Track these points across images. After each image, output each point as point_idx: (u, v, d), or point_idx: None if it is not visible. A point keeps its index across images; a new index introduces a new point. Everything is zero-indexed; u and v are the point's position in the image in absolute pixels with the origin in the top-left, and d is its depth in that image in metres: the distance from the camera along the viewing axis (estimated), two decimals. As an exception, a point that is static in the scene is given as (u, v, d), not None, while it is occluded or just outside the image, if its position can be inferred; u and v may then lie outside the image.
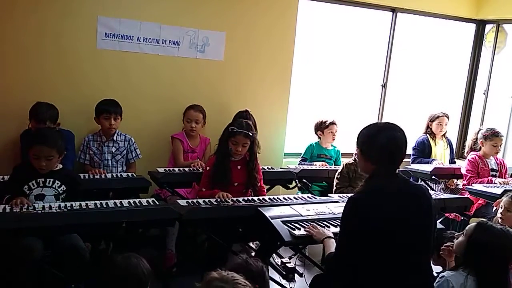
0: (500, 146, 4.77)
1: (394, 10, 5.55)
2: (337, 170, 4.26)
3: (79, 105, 4.08)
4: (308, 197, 3.63)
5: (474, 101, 6.26)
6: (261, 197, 3.46)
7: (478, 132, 4.86)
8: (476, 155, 4.77)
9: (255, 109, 4.49)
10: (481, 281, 2.36)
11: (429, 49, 6.02)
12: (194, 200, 3.27)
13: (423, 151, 5.21)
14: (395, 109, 5.84)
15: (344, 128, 5.06)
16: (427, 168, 4.79)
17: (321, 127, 4.86)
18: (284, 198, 3.48)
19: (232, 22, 4.57)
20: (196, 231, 3.92)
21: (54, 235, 2.86)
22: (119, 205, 2.92)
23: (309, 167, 4.60)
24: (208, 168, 3.63)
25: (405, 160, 3.03)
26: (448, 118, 5.27)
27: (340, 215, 2.94)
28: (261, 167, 3.85)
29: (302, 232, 2.79)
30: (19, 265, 2.75)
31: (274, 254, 3.78)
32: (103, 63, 4.18)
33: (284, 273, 3.71)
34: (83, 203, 2.86)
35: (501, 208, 3.41)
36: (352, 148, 4.25)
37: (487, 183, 4.53)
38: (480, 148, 4.79)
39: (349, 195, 3.56)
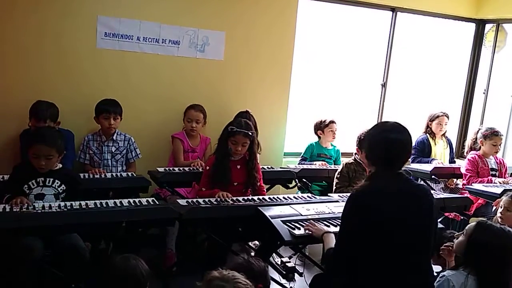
0: (500, 145, 4.77)
1: (394, 9, 5.55)
2: (337, 169, 4.26)
3: (79, 105, 4.08)
4: (308, 196, 3.63)
5: (474, 101, 6.26)
6: (261, 197, 3.46)
7: (478, 131, 4.86)
8: (476, 154, 4.77)
9: (255, 109, 4.49)
10: (482, 280, 2.36)
11: (429, 49, 6.03)
12: (194, 200, 3.27)
13: (423, 151, 5.21)
14: (395, 109, 5.84)
15: (344, 128, 5.06)
16: (427, 167, 4.78)
17: (321, 126, 4.86)
18: (284, 198, 3.48)
19: (232, 22, 4.57)
20: (196, 231, 3.92)
21: (54, 234, 2.86)
22: (119, 204, 2.92)
23: (309, 166, 4.59)
24: (207, 167, 3.63)
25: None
26: (448, 117, 5.27)
27: (340, 214, 2.95)
28: (261, 167, 3.85)
29: (302, 231, 2.79)
30: (19, 264, 2.75)
31: (274, 254, 3.79)
32: (103, 63, 4.18)
33: (284, 272, 3.72)
34: (83, 203, 2.86)
35: (501, 207, 3.42)
36: (352, 147, 4.28)
37: (487, 182, 4.53)
38: (480, 147, 4.79)
39: (349, 194, 3.58)
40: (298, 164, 4.74)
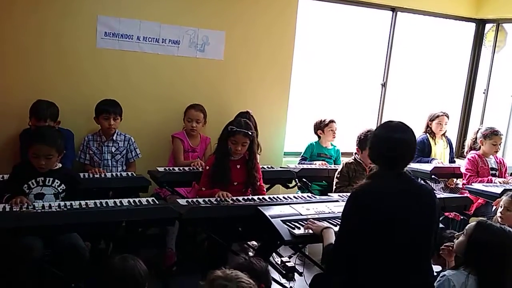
0: (500, 144, 4.78)
1: (394, 9, 5.55)
2: (337, 169, 4.26)
3: (78, 104, 4.08)
4: (308, 196, 3.63)
5: (474, 100, 6.26)
6: (261, 196, 3.46)
7: (478, 131, 4.86)
8: (476, 154, 4.77)
9: (255, 108, 4.49)
10: (482, 280, 2.36)
11: (429, 48, 6.03)
12: (194, 200, 3.27)
13: (423, 151, 5.21)
14: (395, 108, 5.84)
15: (344, 128, 5.06)
16: (426, 167, 4.78)
17: (321, 126, 4.86)
18: (284, 198, 3.48)
19: (232, 21, 4.57)
20: (196, 230, 3.92)
21: (54, 234, 2.86)
22: (119, 204, 2.92)
23: (309, 166, 4.59)
24: (207, 167, 3.63)
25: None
26: (448, 117, 5.27)
27: (340, 214, 2.95)
28: (260, 166, 3.85)
29: (302, 231, 2.79)
30: (19, 264, 2.75)
31: (274, 253, 3.79)
32: (103, 62, 4.18)
33: (284, 272, 3.72)
34: (82, 202, 2.86)
35: (501, 207, 3.42)
36: (352, 147, 4.28)
37: (487, 182, 4.53)
38: (480, 147, 4.80)
39: (349, 194, 3.58)
40: (298, 163, 4.74)
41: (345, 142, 5.10)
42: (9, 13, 3.84)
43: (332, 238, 2.59)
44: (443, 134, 5.34)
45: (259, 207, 3.08)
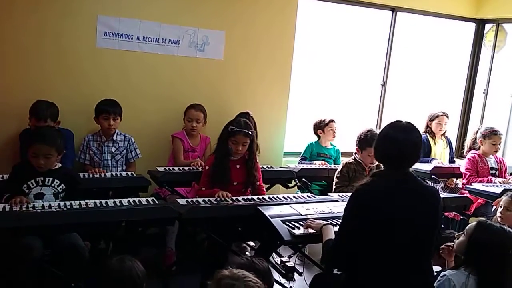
0: (499, 144, 4.78)
1: (394, 9, 5.55)
2: (336, 169, 4.26)
3: (78, 105, 4.08)
4: (307, 196, 3.63)
5: (473, 100, 6.26)
6: (260, 196, 3.46)
7: (477, 131, 4.87)
8: (476, 154, 4.77)
9: (255, 108, 4.49)
10: (482, 280, 2.36)
11: (429, 48, 6.03)
12: (194, 199, 3.27)
13: (423, 150, 5.21)
14: (394, 108, 5.84)
15: (344, 127, 5.06)
16: (426, 167, 4.78)
17: (321, 126, 4.86)
18: (283, 197, 3.48)
19: (231, 21, 4.57)
20: (196, 230, 3.92)
21: (54, 234, 2.86)
22: (118, 204, 2.92)
23: (309, 166, 4.59)
24: (207, 167, 3.63)
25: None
26: (447, 117, 5.27)
27: (339, 214, 2.95)
28: (260, 166, 3.85)
29: (301, 231, 2.79)
30: (18, 264, 2.75)
31: (273, 253, 3.79)
32: (103, 62, 4.18)
33: (284, 272, 3.71)
34: (82, 202, 2.86)
35: (501, 207, 3.42)
36: (352, 147, 4.28)
37: (486, 182, 4.53)
38: (479, 147, 4.80)
39: (349, 194, 3.58)
40: (298, 163, 4.74)
41: (345, 142, 5.10)
42: (9, 13, 3.84)
43: (331, 234, 2.59)
44: (443, 134, 5.34)
45: (259, 207, 3.08)
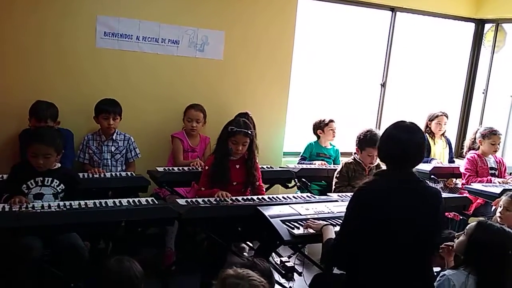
0: (499, 144, 4.78)
1: (393, 9, 5.55)
2: (336, 169, 4.26)
3: (78, 104, 4.08)
4: (307, 196, 3.63)
5: (473, 100, 6.26)
6: (260, 196, 3.46)
7: (477, 131, 4.87)
8: (475, 153, 4.78)
9: (254, 108, 4.49)
10: (482, 280, 2.36)
11: (428, 48, 6.03)
12: (193, 199, 3.27)
13: (423, 150, 5.21)
14: (394, 108, 5.85)
15: (343, 127, 5.06)
16: (426, 167, 4.77)
17: (321, 126, 4.85)
18: (283, 197, 3.48)
19: (231, 21, 4.57)
20: (196, 230, 3.93)
21: (53, 234, 2.86)
22: (118, 204, 2.92)
23: (308, 166, 4.59)
24: (207, 167, 3.64)
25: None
26: (447, 117, 5.27)
27: (339, 214, 2.95)
28: (260, 166, 3.84)
29: (301, 231, 2.79)
30: (18, 264, 2.75)
31: (273, 253, 3.79)
32: (102, 62, 4.18)
33: (283, 272, 3.72)
34: (82, 202, 2.86)
35: (500, 207, 3.42)
36: (351, 147, 4.28)
37: (486, 182, 4.54)
38: (479, 147, 4.80)
39: (348, 194, 3.58)
40: (298, 163, 4.74)
41: (344, 142, 5.10)
42: (9, 13, 3.84)
43: (332, 234, 2.59)
44: (442, 134, 5.34)
45: (258, 207, 3.08)
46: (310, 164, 4.68)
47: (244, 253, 4.06)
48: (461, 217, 4.44)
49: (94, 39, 4.11)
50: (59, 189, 3.08)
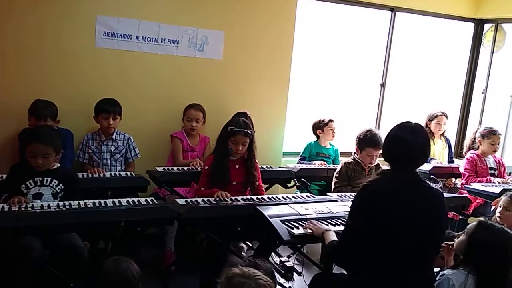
0: (498, 144, 4.79)
1: (393, 9, 5.55)
2: (335, 169, 4.26)
3: (78, 104, 4.08)
4: (307, 196, 3.63)
5: (472, 100, 6.26)
6: (260, 196, 3.46)
7: (476, 131, 4.87)
8: (475, 154, 4.78)
9: (254, 108, 4.49)
10: (482, 280, 2.36)
11: (428, 48, 6.02)
12: (193, 199, 3.27)
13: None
14: (394, 108, 5.84)
15: (343, 127, 5.06)
16: (425, 167, 4.76)
17: (321, 126, 4.85)
18: (283, 197, 3.48)
19: (231, 21, 4.57)
20: (195, 230, 3.93)
21: (53, 234, 2.86)
22: (117, 204, 2.92)
23: (308, 166, 4.59)
24: (206, 167, 3.64)
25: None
26: (446, 117, 5.28)
27: (338, 214, 2.96)
28: (259, 166, 3.84)
29: (301, 231, 2.80)
30: (18, 264, 2.75)
31: (272, 253, 3.79)
32: (102, 62, 4.18)
33: (283, 272, 3.72)
34: (81, 202, 2.86)
35: (500, 207, 3.42)
36: (351, 147, 4.28)
37: (485, 182, 4.54)
38: (478, 147, 4.80)
39: (348, 194, 3.59)
40: (297, 163, 4.74)
41: (344, 142, 5.10)
42: (9, 13, 3.84)
43: (333, 238, 2.60)
44: (442, 134, 5.35)
45: (258, 207, 3.08)
46: (310, 164, 4.68)
47: (243, 253, 4.06)
48: (460, 217, 4.44)
49: (93, 39, 4.11)
50: (58, 189, 3.07)
